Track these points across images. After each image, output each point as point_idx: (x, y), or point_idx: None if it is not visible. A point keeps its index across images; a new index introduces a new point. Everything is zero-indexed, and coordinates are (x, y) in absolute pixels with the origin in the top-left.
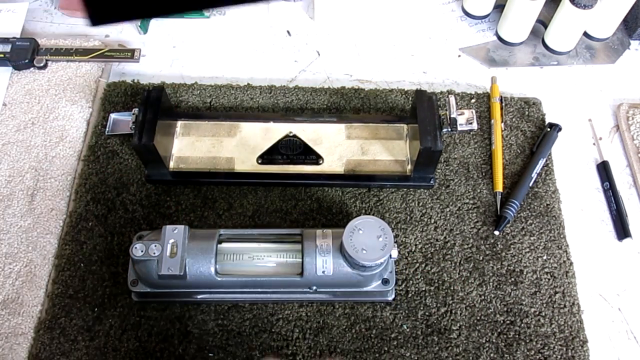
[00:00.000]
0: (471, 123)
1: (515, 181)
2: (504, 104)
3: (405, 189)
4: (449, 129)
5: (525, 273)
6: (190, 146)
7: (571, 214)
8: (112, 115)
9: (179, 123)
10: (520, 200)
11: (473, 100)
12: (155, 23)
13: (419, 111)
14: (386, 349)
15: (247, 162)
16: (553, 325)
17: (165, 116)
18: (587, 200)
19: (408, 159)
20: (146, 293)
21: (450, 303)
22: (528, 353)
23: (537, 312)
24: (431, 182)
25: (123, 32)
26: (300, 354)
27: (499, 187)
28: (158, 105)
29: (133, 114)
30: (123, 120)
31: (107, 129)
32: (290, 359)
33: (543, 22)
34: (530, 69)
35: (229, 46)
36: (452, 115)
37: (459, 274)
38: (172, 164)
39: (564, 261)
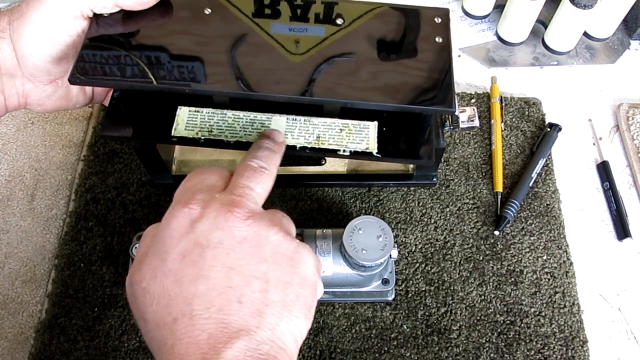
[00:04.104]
0: (473, 120)
1: (515, 181)
2: (504, 104)
3: (405, 189)
4: (451, 127)
5: (525, 273)
6: (191, 149)
7: (571, 214)
8: None
9: None
10: (520, 200)
11: (473, 100)
12: None
13: None
14: (386, 349)
15: None
16: (553, 325)
17: None
18: (587, 200)
19: None
20: None
21: (450, 303)
22: (528, 353)
23: (537, 312)
24: (434, 180)
25: None
26: (300, 354)
27: (499, 187)
28: None
29: None
30: None
31: None
32: None
33: (543, 22)
34: (530, 69)
35: None
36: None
37: (459, 274)
38: (174, 168)
39: (564, 261)
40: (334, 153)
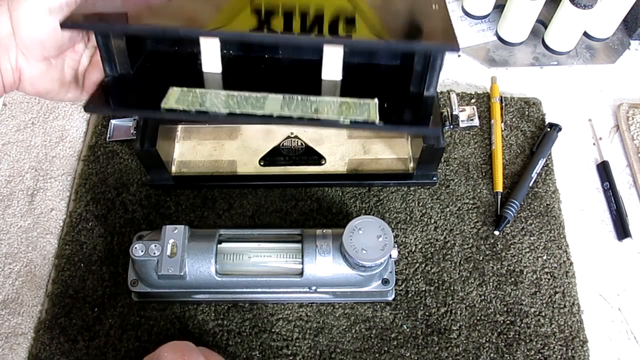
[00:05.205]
0: (472, 120)
1: (515, 181)
2: (504, 104)
3: (405, 188)
4: (451, 126)
5: (525, 273)
6: (191, 150)
7: (571, 214)
8: (113, 122)
9: (180, 127)
10: (520, 200)
11: (473, 100)
12: None
13: None
14: (386, 349)
15: (249, 165)
16: (553, 325)
17: (166, 120)
18: (587, 200)
19: (410, 157)
20: (146, 293)
21: (450, 303)
22: (528, 353)
23: (537, 312)
24: (434, 179)
25: None
26: (300, 354)
27: (499, 187)
28: None
29: (134, 119)
30: (123, 125)
31: (108, 135)
32: (290, 359)
33: (543, 22)
34: (530, 69)
35: None
36: (453, 112)
37: (459, 274)
38: (174, 169)
39: (564, 261)
40: (333, 123)
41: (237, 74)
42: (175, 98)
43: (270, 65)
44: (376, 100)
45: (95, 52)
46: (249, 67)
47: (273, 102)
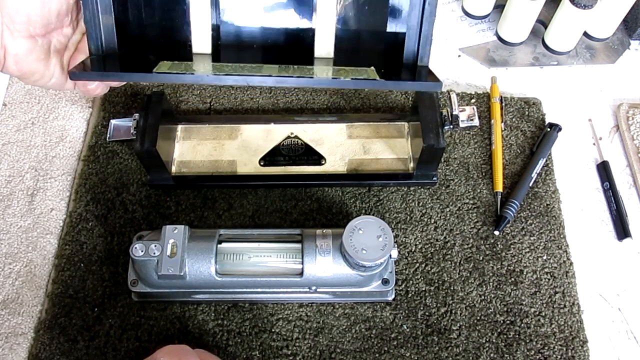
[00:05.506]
0: (472, 119)
1: (515, 181)
2: (504, 104)
3: (405, 188)
4: (451, 126)
5: (525, 273)
6: (191, 150)
7: (571, 214)
8: (113, 122)
9: (180, 127)
10: (520, 200)
11: (473, 100)
12: None
13: (420, 109)
14: (386, 349)
15: (249, 165)
16: (553, 325)
17: (166, 121)
18: (587, 200)
19: (410, 157)
20: (146, 293)
21: (450, 303)
22: (528, 353)
23: (537, 312)
24: (434, 179)
25: None
26: (300, 354)
27: (499, 187)
28: (159, 110)
29: (134, 119)
30: (123, 125)
31: (108, 136)
32: (290, 359)
33: (543, 22)
34: (530, 69)
35: None
36: (453, 112)
37: (459, 274)
38: (174, 169)
39: (564, 261)
40: (334, 81)
41: (227, 56)
42: (166, 67)
43: (260, 51)
44: (373, 67)
45: (82, 39)
46: (238, 53)
47: (269, 70)
